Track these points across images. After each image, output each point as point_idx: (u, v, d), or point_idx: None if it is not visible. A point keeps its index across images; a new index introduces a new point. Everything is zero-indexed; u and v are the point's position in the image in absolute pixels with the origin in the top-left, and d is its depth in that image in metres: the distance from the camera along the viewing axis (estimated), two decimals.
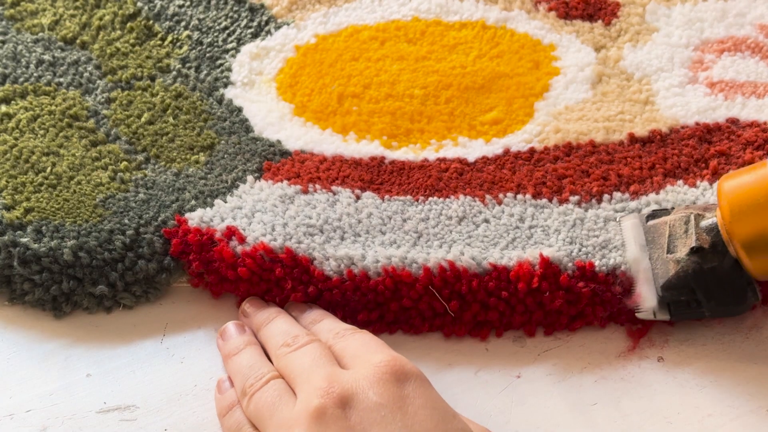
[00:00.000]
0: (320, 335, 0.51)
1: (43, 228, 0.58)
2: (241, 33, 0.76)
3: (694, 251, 0.53)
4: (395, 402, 0.45)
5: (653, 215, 0.56)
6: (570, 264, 0.56)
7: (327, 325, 0.53)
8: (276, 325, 0.53)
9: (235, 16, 0.77)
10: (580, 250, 0.57)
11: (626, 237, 0.56)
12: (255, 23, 0.76)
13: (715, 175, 0.62)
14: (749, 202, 0.51)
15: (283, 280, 0.56)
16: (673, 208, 0.57)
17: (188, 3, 0.78)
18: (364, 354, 0.48)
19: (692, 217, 0.54)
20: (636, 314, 0.54)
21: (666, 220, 0.55)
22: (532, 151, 0.65)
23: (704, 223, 0.53)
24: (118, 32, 0.75)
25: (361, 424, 0.44)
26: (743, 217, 0.51)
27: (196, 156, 0.65)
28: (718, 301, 0.53)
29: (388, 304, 0.56)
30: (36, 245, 0.57)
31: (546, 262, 0.55)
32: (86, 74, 0.70)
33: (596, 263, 0.56)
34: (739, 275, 0.52)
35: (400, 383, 0.45)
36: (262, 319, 0.54)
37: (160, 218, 0.59)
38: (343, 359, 0.49)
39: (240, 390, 0.49)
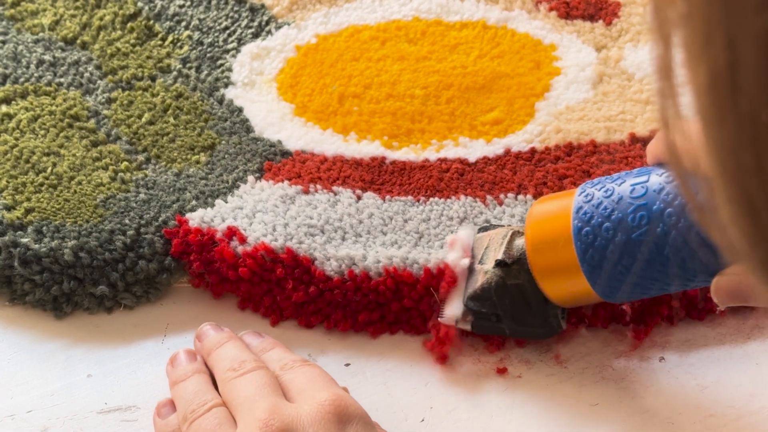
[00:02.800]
0: (269, 364, 0.50)
1: (44, 228, 0.58)
2: (241, 33, 0.75)
3: (497, 264, 0.52)
4: None
5: (485, 228, 0.56)
6: None
7: (276, 354, 0.51)
8: (225, 350, 0.51)
9: (236, 16, 0.77)
10: None
11: (456, 246, 0.56)
12: (255, 23, 0.76)
13: None
14: (547, 238, 0.49)
15: (284, 280, 0.56)
16: (508, 225, 0.56)
17: (189, 3, 0.78)
18: (310, 389, 0.47)
19: (510, 233, 0.53)
20: (439, 318, 0.54)
21: (490, 233, 0.54)
22: (533, 151, 0.65)
23: (518, 240, 0.52)
24: (119, 32, 0.75)
25: None
26: (540, 250, 0.50)
27: (197, 156, 0.65)
28: (516, 319, 0.52)
29: (389, 304, 0.56)
30: (37, 245, 0.56)
31: None
32: (87, 74, 0.70)
33: None
34: (542, 298, 0.51)
35: (341, 424, 0.44)
36: (213, 344, 0.52)
37: (160, 218, 0.59)
38: (289, 392, 0.47)
39: (182, 416, 0.48)
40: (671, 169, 0.26)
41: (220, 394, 0.49)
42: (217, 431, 0.45)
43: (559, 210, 0.49)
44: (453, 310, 0.53)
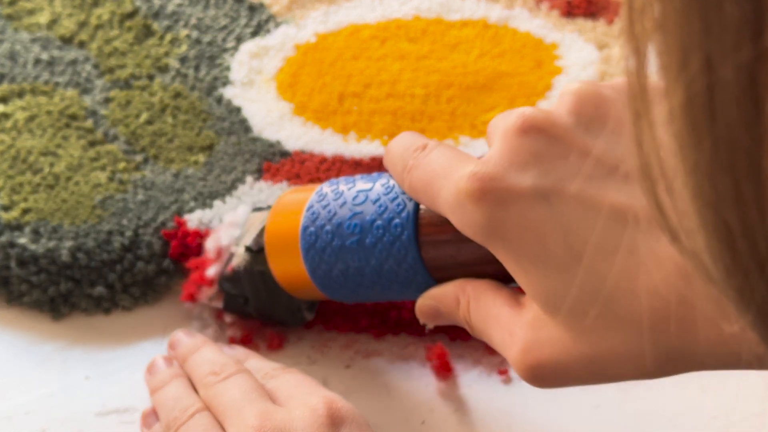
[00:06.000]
0: None
1: (41, 229, 0.57)
2: (240, 32, 0.75)
3: (246, 249, 0.52)
4: None
5: (259, 208, 0.55)
6: None
7: (255, 364, 0.50)
8: (202, 354, 0.50)
9: (235, 14, 0.77)
10: None
11: (227, 220, 0.56)
12: (254, 22, 0.76)
13: None
14: (280, 231, 0.50)
15: None
16: None
17: (187, 2, 0.77)
18: (299, 394, 0.46)
19: (266, 216, 0.52)
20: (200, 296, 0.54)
21: (257, 215, 0.54)
22: None
23: None
24: (117, 31, 0.74)
25: None
26: (273, 243, 0.50)
27: (195, 156, 0.64)
28: (262, 304, 0.52)
29: (387, 312, 0.55)
30: (34, 246, 0.56)
31: None
32: (84, 74, 0.70)
33: None
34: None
35: (335, 427, 0.44)
36: (188, 349, 0.51)
37: (159, 219, 0.59)
38: (278, 399, 0.46)
39: (164, 425, 0.47)
40: (645, 190, 0.25)
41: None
42: None
43: (297, 205, 0.50)
44: (210, 288, 0.54)
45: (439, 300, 0.46)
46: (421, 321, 0.47)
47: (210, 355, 0.50)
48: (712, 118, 0.22)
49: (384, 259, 0.46)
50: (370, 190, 0.47)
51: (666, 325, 0.37)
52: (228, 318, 0.55)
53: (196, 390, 0.49)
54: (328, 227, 0.48)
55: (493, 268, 0.43)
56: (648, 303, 0.37)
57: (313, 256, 0.48)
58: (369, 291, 0.48)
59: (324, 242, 0.48)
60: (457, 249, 0.45)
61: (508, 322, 0.42)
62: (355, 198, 0.48)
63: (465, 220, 0.41)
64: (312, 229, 0.48)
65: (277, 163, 0.64)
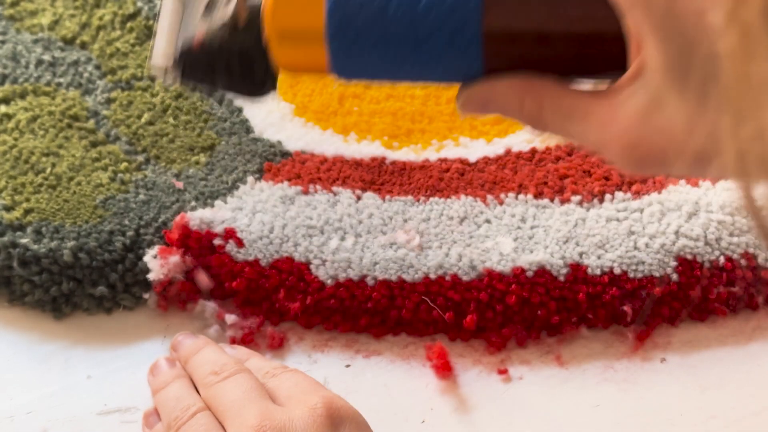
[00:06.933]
0: None
1: (43, 229, 0.57)
2: None
3: (226, 24, 0.46)
4: None
5: None
6: (564, 269, 0.55)
7: (255, 363, 0.50)
8: (203, 354, 0.51)
9: None
10: (574, 250, 0.57)
11: None
12: None
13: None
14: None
15: (276, 291, 0.56)
16: None
17: None
18: (299, 394, 0.46)
19: None
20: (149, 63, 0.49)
21: None
22: (533, 151, 0.65)
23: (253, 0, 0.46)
24: (118, 32, 0.74)
25: None
26: (290, 5, 0.43)
27: (197, 157, 0.64)
28: (231, 78, 0.47)
29: (387, 312, 0.55)
30: (36, 246, 0.56)
31: (540, 270, 0.55)
32: (86, 74, 0.70)
33: (591, 264, 0.56)
34: (264, 58, 0.45)
35: (335, 427, 0.44)
36: (190, 351, 0.52)
37: (160, 219, 0.59)
38: (277, 399, 0.46)
39: (166, 425, 0.47)
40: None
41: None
42: None
43: None
44: (161, 59, 0.49)
45: (494, 91, 0.42)
46: (462, 110, 0.42)
47: (211, 355, 0.50)
48: None
49: (437, 25, 0.40)
50: None
51: None
52: (229, 318, 0.55)
53: (198, 391, 0.49)
54: None
55: (563, 47, 0.39)
56: None
57: (341, 18, 0.41)
58: (399, 67, 0.42)
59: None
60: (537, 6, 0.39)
61: (604, 112, 0.39)
62: None
63: None
64: None
65: (278, 163, 0.64)
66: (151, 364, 0.52)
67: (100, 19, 0.75)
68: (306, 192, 0.61)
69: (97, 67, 0.71)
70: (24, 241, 0.57)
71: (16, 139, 0.64)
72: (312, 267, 0.56)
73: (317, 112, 0.69)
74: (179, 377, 0.50)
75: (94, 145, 0.65)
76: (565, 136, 0.42)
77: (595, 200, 0.60)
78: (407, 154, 0.65)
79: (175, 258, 0.56)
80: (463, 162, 0.64)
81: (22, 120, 0.66)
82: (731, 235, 0.57)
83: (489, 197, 0.61)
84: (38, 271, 0.56)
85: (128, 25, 0.75)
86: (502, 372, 0.54)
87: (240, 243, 0.57)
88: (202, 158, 0.64)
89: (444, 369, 0.53)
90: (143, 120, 0.67)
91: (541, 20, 0.40)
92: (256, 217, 0.59)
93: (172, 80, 0.49)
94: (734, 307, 0.56)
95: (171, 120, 0.67)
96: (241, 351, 0.52)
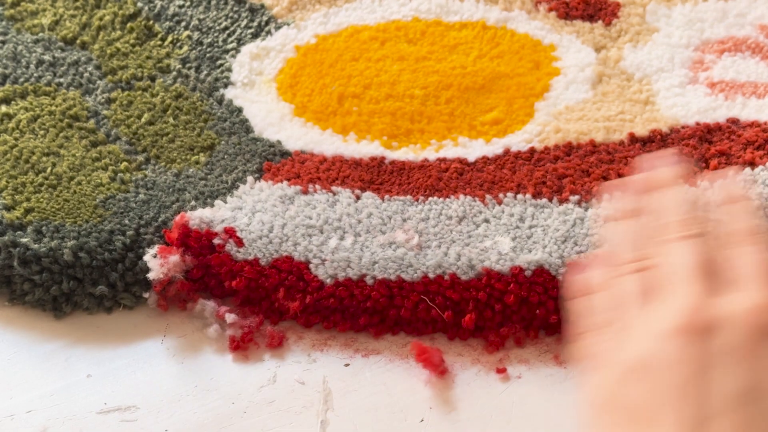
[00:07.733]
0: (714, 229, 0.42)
1: (44, 228, 0.58)
2: (241, 33, 0.75)
3: None
4: (756, 361, 0.36)
5: None
6: (562, 269, 0.56)
7: (738, 219, 0.43)
8: (672, 196, 0.44)
9: (236, 16, 0.77)
10: (572, 249, 0.57)
11: None
12: (255, 23, 0.76)
13: (716, 175, 0.62)
14: None
15: (276, 291, 0.56)
16: None
17: (188, 3, 0.78)
18: (753, 282, 0.38)
19: None
20: None
21: None
22: (532, 150, 0.65)
23: None
24: (119, 32, 0.75)
25: (718, 356, 0.36)
26: None
27: (197, 156, 0.65)
28: None
29: (386, 311, 0.56)
30: (36, 245, 0.56)
31: (538, 270, 0.55)
32: (86, 74, 0.70)
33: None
34: None
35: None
36: (662, 180, 0.45)
37: (160, 219, 0.59)
38: (725, 274, 0.39)
39: (626, 256, 0.42)
40: None
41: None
42: (636, 301, 0.40)
43: None
44: None
45: None
46: None
47: (679, 202, 0.43)
48: None
49: None
50: None
51: None
52: (229, 317, 0.55)
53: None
54: None
55: None
56: None
57: None
58: None
59: None
60: None
61: None
62: None
63: None
64: None
65: (278, 163, 0.64)
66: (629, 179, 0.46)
67: (101, 19, 0.75)
68: (305, 192, 0.61)
69: (98, 67, 0.71)
70: (24, 240, 0.57)
71: (16, 139, 0.64)
72: (311, 266, 0.56)
73: (317, 112, 0.69)
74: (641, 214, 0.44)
75: (94, 144, 0.65)
76: None
77: (594, 200, 0.61)
78: (406, 153, 0.65)
79: (174, 257, 0.56)
80: (462, 162, 0.64)
81: (23, 120, 0.66)
82: None
83: (488, 197, 0.61)
84: (39, 270, 0.56)
85: (128, 25, 0.75)
86: (501, 371, 0.54)
87: (239, 242, 0.57)
88: (202, 158, 0.64)
89: (432, 367, 0.53)
90: (143, 120, 0.67)
91: None
92: (256, 216, 0.59)
93: None
94: None
95: (171, 120, 0.67)
96: (738, 195, 0.44)
